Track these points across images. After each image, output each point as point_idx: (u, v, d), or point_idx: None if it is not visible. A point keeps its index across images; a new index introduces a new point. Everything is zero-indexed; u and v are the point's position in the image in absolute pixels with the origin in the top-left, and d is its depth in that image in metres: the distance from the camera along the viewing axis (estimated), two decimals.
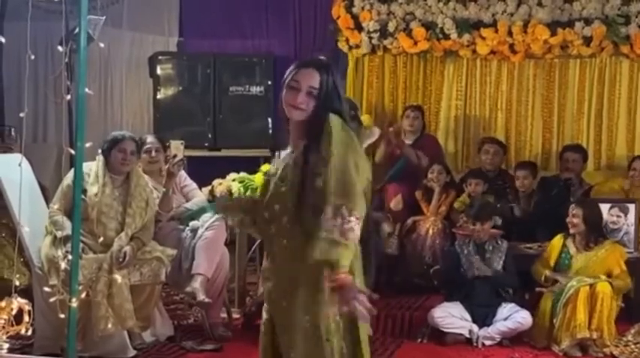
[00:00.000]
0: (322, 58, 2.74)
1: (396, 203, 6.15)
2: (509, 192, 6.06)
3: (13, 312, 2.85)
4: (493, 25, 6.54)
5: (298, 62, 2.72)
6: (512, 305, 5.01)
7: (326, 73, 2.65)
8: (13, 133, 5.90)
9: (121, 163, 4.70)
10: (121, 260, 4.50)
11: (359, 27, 6.84)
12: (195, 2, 7.38)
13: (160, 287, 4.80)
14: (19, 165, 3.24)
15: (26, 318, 2.89)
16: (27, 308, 2.86)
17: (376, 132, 6.34)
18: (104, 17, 5.32)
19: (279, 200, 2.61)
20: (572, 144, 6.36)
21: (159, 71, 7.10)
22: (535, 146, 6.79)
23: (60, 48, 3.20)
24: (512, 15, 6.51)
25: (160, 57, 7.15)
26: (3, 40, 2.84)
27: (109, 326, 4.39)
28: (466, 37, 6.59)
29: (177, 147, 5.00)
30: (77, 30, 3.39)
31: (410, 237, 5.92)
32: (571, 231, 5.05)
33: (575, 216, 5.01)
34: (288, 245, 2.59)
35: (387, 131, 6.40)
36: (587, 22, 6.36)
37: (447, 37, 6.64)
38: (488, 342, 4.93)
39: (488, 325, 4.96)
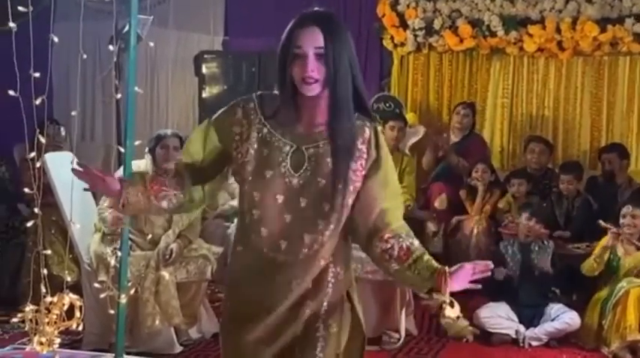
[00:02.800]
0: (322, 10, 2.14)
1: (440, 202, 6.11)
2: (554, 192, 5.98)
3: (65, 308, 2.89)
4: (541, 21, 6.45)
5: (293, 22, 2.11)
6: (560, 305, 4.95)
7: (331, 28, 2.07)
8: (63, 132, 5.99)
9: (164, 159, 4.75)
10: (167, 257, 4.55)
11: (404, 25, 6.81)
12: (241, 1, 7.42)
13: (205, 284, 4.83)
14: (71, 163, 3.28)
15: (77, 314, 2.93)
16: (78, 303, 2.90)
17: (421, 130, 6.33)
18: (152, 17, 5.37)
19: (288, 193, 2.11)
20: (606, 145, 6.29)
21: (204, 70, 7.17)
22: (583, 145, 6.70)
23: (110, 47, 3.24)
24: (560, 11, 6.42)
25: (205, 56, 7.22)
26: (56, 39, 2.88)
27: (156, 322, 4.44)
28: (513, 34, 6.51)
29: None
30: (126, 29, 3.43)
31: (454, 237, 5.89)
32: (628, 231, 4.92)
33: (636, 217, 4.90)
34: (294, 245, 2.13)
35: (434, 133, 6.38)
36: (638, 18, 6.24)
37: (493, 34, 6.57)
38: (535, 343, 4.87)
39: (535, 326, 4.91)
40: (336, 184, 2.09)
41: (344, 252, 2.21)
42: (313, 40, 2.05)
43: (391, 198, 2.17)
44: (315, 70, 2.05)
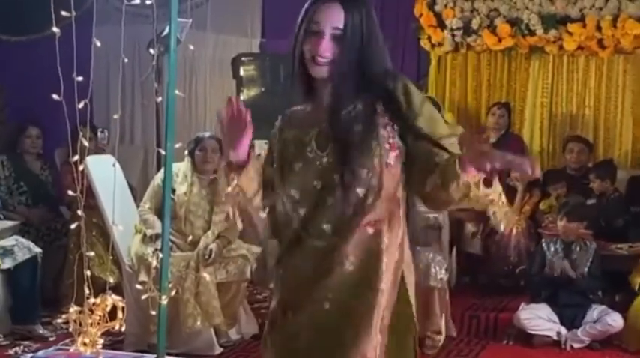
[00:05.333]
0: None
1: None
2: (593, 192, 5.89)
3: (108, 309, 2.93)
4: (581, 20, 6.36)
5: None
6: (603, 307, 4.88)
7: (354, 8, 1.94)
8: (105, 135, 6.07)
9: (202, 161, 4.80)
10: (206, 257, 4.59)
11: (442, 25, 6.77)
12: (277, 3, 7.43)
13: (245, 284, 4.86)
14: (113, 165, 3.33)
15: (120, 315, 2.96)
16: (121, 304, 2.94)
17: (459, 131, 6.26)
18: (190, 20, 5.41)
19: (320, 175, 1.98)
20: None
21: (242, 72, 7.20)
22: (624, 144, 6.58)
23: (151, 51, 3.28)
24: (600, 9, 6.32)
25: (242, 58, 7.24)
26: (98, 43, 2.92)
27: (197, 323, 4.48)
28: (552, 32, 6.43)
29: (261, 147, 5.06)
30: (166, 33, 3.46)
31: (494, 237, 5.82)
32: None
33: None
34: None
35: (475, 132, 6.34)
36: None
37: (532, 33, 6.49)
38: (576, 345, 4.82)
39: (577, 327, 4.85)
40: (369, 144, 1.92)
41: (401, 219, 2.00)
42: (332, 19, 1.94)
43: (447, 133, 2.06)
44: (328, 50, 1.94)
